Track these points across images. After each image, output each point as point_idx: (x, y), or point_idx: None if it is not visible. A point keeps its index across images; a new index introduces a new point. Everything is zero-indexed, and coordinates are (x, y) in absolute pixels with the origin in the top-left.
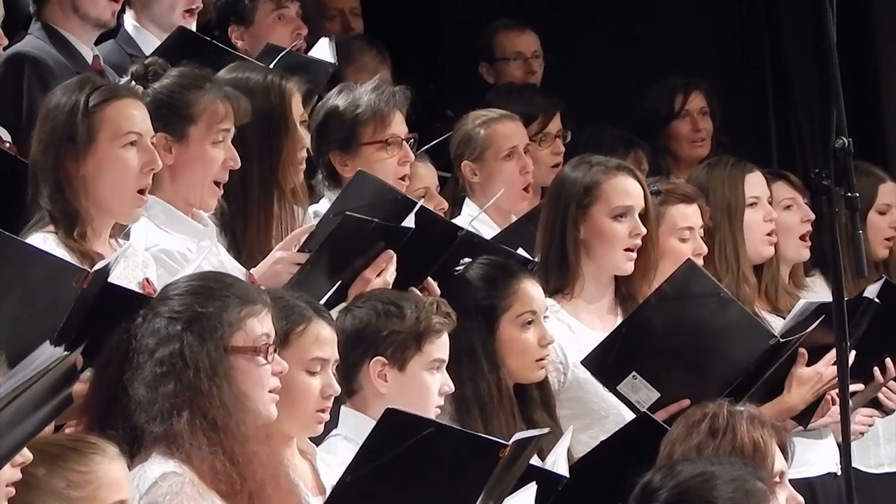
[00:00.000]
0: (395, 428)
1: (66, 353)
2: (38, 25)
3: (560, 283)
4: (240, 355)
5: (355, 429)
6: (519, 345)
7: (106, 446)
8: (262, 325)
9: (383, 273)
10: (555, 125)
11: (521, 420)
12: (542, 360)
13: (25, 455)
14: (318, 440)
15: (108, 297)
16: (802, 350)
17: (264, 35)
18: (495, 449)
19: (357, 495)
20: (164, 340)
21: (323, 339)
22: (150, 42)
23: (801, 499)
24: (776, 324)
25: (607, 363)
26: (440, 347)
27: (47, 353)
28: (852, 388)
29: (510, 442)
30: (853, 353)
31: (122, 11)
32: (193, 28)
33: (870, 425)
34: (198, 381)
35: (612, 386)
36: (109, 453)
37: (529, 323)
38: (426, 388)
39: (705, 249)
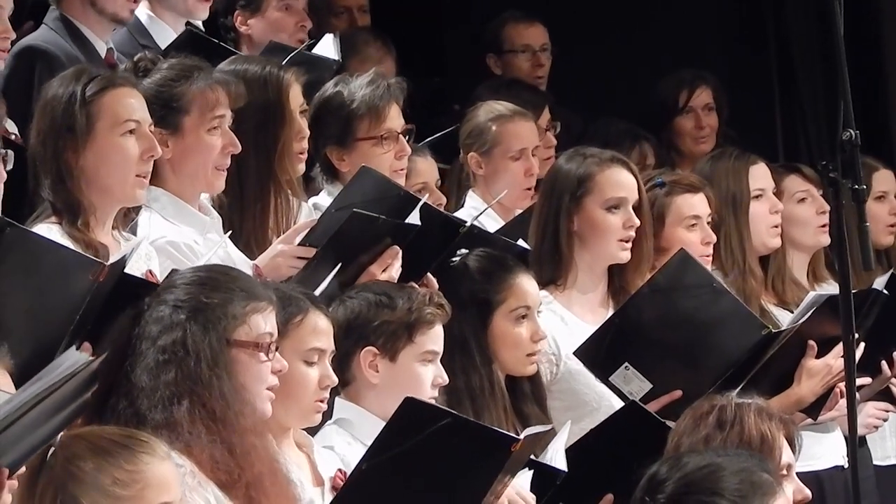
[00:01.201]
0: (413, 417)
1: (91, 358)
2: (55, 16)
3: (553, 274)
4: (241, 349)
5: (349, 419)
6: (511, 339)
7: (156, 445)
8: (265, 322)
9: (389, 269)
10: (543, 119)
11: (512, 412)
12: (533, 354)
13: None
14: (312, 430)
15: (122, 288)
16: (812, 342)
17: (269, 23)
18: (508, 443)
19: (372, 483)
20: (167, 328)
21: (320, 329)
22: (163, 32)
23: (807, 492)
24: (782, 317)
25: (600, 354)
26: (433, 339)
27: (73, 359)
28: (859, 381)
29: (522, 437)
30: (862, 345)
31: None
32: (206, 14)
33: (885, 419)
34: (198, 371)
35: (604, 377)
36: (159, 453)
37: (523, 317)
38: (418, 379)
39: (714, 238)
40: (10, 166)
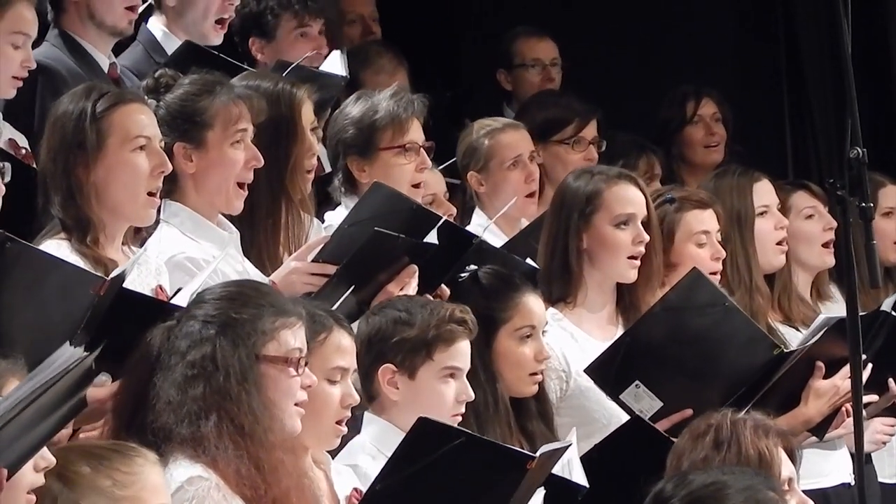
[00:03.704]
0: (426, 437)
1: (85, 353)
2: (56, 33)
3: (562, 291)
4: (270, 364)
5: (376, 433)
6: (515, 358)
7: (147, 452)
8: (295, 337)
9: (406, 287)
10: (590, 131)
11: (517, 430)
12: (535, 374)
13: (48, 459)
14: (340, 444)
15: (124, 303)
16: (820, 363)
17: (285, 51)
18: (524, 461)
19: (387, 503)
20: (196, 343)
21: (343, 348)
22: None
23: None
24: (789, 334)
25: (610, 371)
26: (454, 356)
27: (67, 354)
28: (866, 399)
29: (538, 454)
30: (869, 365)
31: (148, 17)
32: (221, 40)
33: (891, 435)
34: (227, 386)
35: (614, 394)
36: (150, 458)
37: (528, 337)
38: (438, 395)
39: (723, 254)
40: (7, 178)
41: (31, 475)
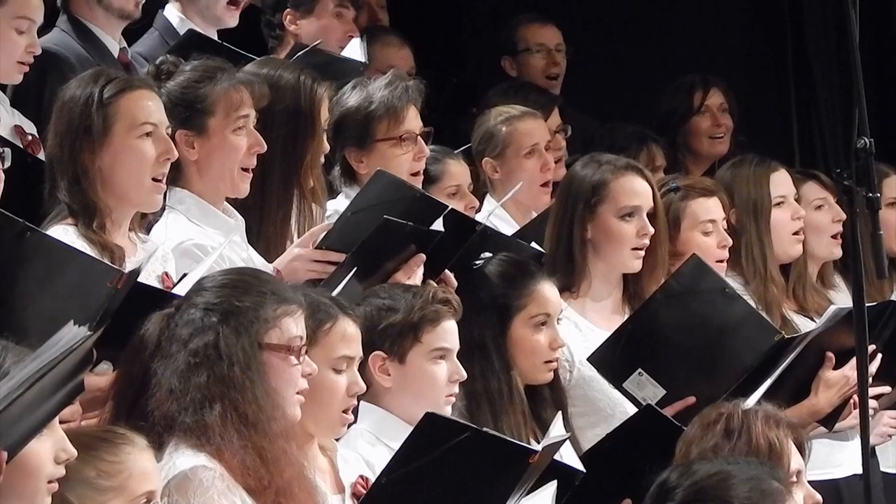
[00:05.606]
0: (433, 432)
1: (89, 332)
2: (65, 18)
3: (567, 281)
4: (273, 353)
5: (372, 422)
6: (529, 345)
7: (135, 437)
8: (296, 325)
9: (413, 277)
10: (554, 121)
11: (532, 418)
12: (550, 361)
13: (70, 451)
14: None
15: (136, 295)
16: (830, 354)
17: (320, 27)
18: (526, 455)
19: (391, 497)
20: (198, 331)
21: (349, 336)
22: None
23: (818, 497)
24: (803, 324)
25: (613, 360)
26: (441, 336)
27: (71, 333)
28: (878, 390)
29: (540, 448)
30: (879, 356)
31: (164, 4)
32: (236, 21)
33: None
34: (231, 374)
35: (618, 383)
36: (139, 444)
37: (542, 324)
38: (430, 377)
39: (730, 241)
40: (7, 164)
41: (51, 467)
